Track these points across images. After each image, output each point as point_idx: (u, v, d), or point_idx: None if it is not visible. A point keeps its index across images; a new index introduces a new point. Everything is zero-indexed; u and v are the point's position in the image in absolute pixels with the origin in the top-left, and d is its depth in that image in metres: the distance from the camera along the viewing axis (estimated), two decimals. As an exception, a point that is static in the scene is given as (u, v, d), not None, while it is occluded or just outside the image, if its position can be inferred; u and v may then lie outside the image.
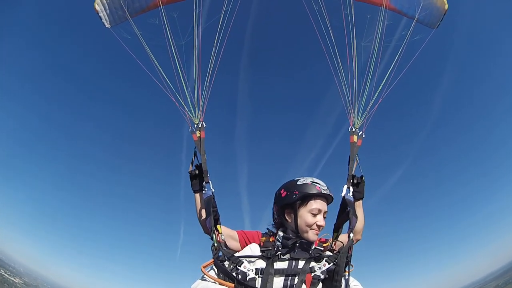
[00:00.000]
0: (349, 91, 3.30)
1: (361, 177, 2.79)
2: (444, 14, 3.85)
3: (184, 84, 3.27)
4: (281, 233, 2.34)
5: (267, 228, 2.52)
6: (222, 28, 3.53)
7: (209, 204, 2.52)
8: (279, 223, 2.43)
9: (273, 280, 2.08)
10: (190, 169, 2.78)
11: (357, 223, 2.56)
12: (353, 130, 3.03)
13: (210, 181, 2.67)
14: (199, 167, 2.77)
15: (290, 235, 2.31)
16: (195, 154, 2.83)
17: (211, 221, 2.44)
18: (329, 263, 2.18)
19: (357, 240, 2.70)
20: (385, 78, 3.38)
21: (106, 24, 4.12)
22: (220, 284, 2.08)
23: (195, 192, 2.77)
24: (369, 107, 3.21)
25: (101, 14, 4.05)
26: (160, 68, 3.36)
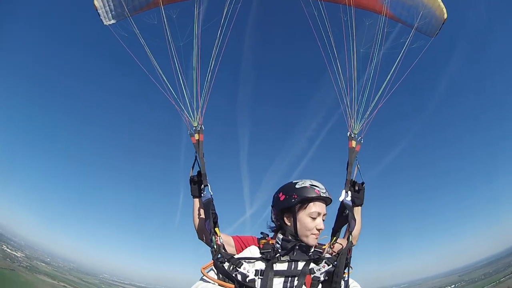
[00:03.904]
0: (347, 97, 3.32)
1: (362, 183, 2.85)
2: (443, 23, 3.91)
3: (183, 86, 3.24)
4: (280, 235, 2.34)
5: (261, 233, 2.54)
6: (223, 29, 3.51)
7: (208, 206, 2.53)
8: (278, 226, 2.44)
9: (272, 282, 2.10)
10: (191, 174, 2.79)
11: (355, 228, 2.59)
12: (352, 135, 3.07)
13: (209, 184, 2.68)
14: (199, 173, 2.78)
15: (289, 238, 2.32)
16: (195, 159, 2.83)
17: (210, 223, 2.45)
18: (328, 265, 2.21)
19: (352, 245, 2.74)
20: (384, 85, 3.41)
21: (104, 21, 4.07)
22: (220, 285, 2.08)
23: (194, 197, 2.79)
24: (367, 113, 3.24)
25: (100, 11, 4.00)
26: (159, 70, 3.32)
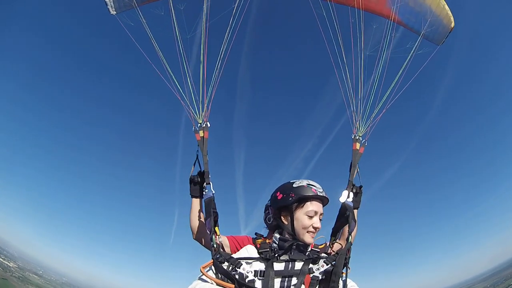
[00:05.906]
0: (354, 100, 3.33)
1: (360, 187, 2.85)
2: (450, 32, 3.94)
3: (189, 81, 3.19)
4: (277, 235, 2.34)
5: (256, 233, 2.54)
6: (232, 24, 3.47)
7: (209, 205, 2.50)
8: (275, 225, 2.43)
9: (274, 281, 2.09)
10: (192, 173, 2.72)
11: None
12: (357, 137, 3.08)
13: (211, 183, 2.63)
14: (201, 173, 2.72)
15: (287, 237, 2.31)
16: (197, 158, 2.76)
17: (211, 222, 2.43)
18: (327, 264, 2.21)
19: None
20: (390, 88, 3.43)
21: (111, 10, 4.01)
22: (220, 285, 2.06)
23: (193, 197, 2.73)
24: (373, 116, 3.25)
25: (107, 0, 3.94)
26: (166, 63, 3.26)
